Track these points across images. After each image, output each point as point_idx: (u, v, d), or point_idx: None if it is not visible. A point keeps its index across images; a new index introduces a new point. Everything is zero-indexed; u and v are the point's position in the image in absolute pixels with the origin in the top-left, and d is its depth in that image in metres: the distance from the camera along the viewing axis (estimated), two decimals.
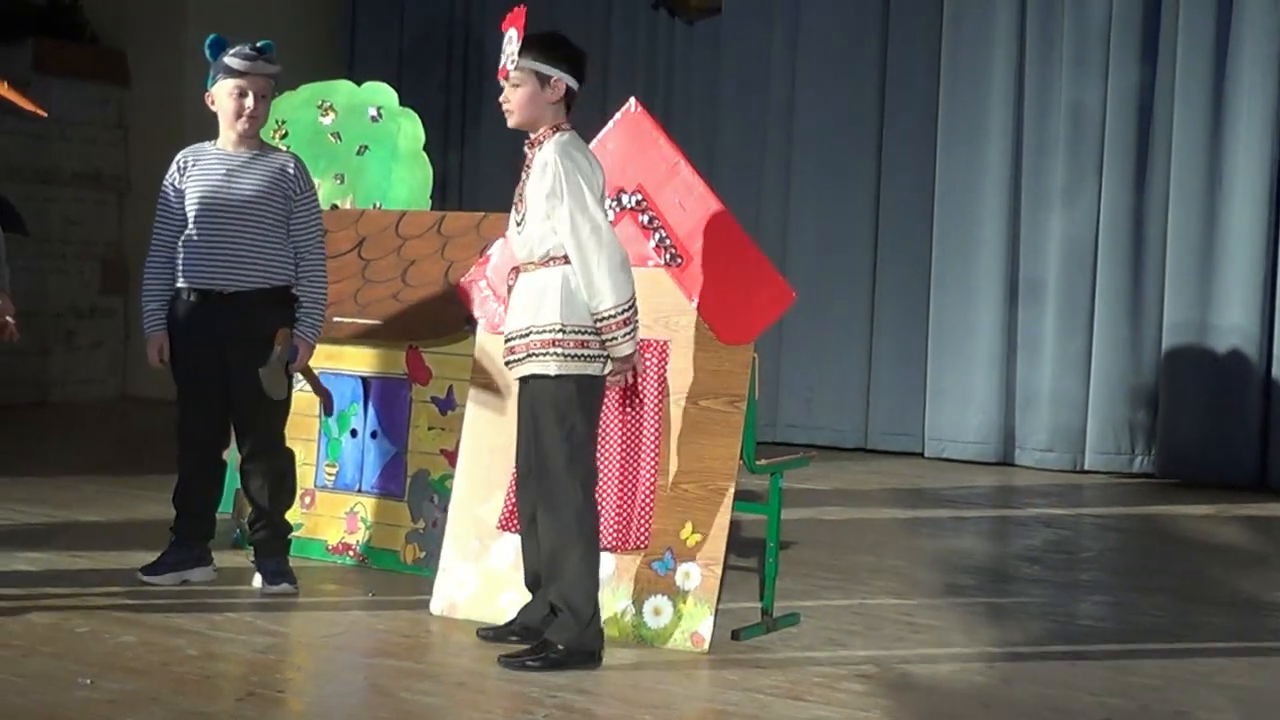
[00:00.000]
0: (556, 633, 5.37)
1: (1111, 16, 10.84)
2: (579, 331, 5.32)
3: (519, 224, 5.46)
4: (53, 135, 12.74)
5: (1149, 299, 10.81)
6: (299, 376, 6.62)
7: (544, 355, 5.33)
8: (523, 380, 5.45)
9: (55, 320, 12.98)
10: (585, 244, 5.27)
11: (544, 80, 5.39)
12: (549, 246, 5.35)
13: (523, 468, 5.59)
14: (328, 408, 6.88)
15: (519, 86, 5.41)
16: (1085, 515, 9.40)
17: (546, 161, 5.33)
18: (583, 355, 5.33)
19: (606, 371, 5.41)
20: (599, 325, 5.32)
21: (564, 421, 5.35)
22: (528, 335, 5.37)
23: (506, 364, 5.50)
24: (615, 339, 5.34)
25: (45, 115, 7.29)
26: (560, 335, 5.31)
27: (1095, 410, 10.92)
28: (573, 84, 5.43)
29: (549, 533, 5.42)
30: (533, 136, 5.45)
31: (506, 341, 5.49)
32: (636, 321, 5.40)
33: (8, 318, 6.10)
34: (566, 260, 5.32)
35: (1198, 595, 7.08)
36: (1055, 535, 8.62)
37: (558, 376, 5.33)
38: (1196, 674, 5.63)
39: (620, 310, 5.31)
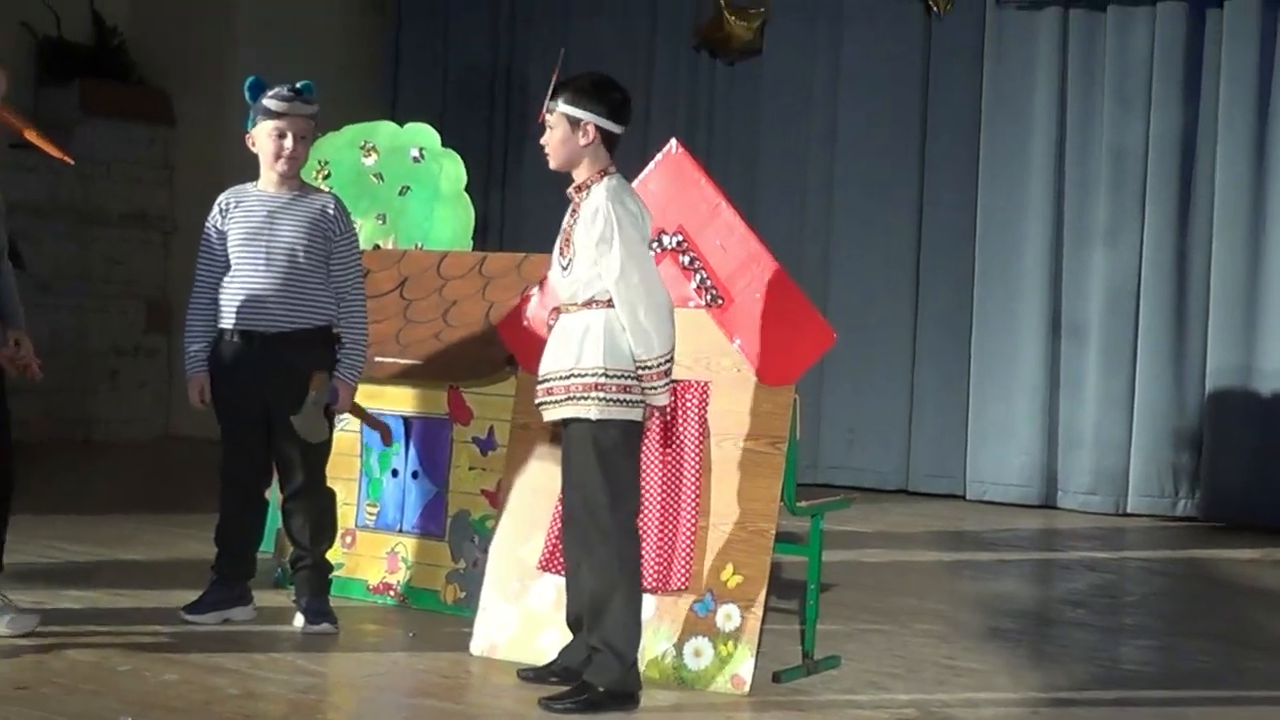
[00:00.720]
0: (596, 675, 5.34)
1: (1154, 54, 10.83)
2: (621, 376, 5.29)
3: (564, 267, 5.46)
4: (98, 175, 12.82)
5: (1192, 341, 10.76)
6: (344, 416, 6.64)
7: (585, 399, 5.30)
8: (564, 422, 5.44)
9: (99, 359, 13.04)
10: (635, 291, 5.26)
11: (574, 124, 5.39)
12: (594, 291, 5.34)
13: (566, 510, 5.57)
14: (385, 438, 6.89)
15: (553, 130, 5.43)
16: (1129, 559, 9.35)
17: (598, 207, 5.32)
18: (624, 400, 5.31)
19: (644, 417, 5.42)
20: (640, 372, 5.32)
21: (608, 466, 5.32)
22: (569, 378, 5.34)
23: (540, 404, 5.47)
24: (655, 388, 5.33)
25: (72, 163, 7.32)
26: (603, 379, 5.29)
27: (1138, 453, 10.86)
28: (607, 127, 5.40)
29: (592, 576, 5.40)
30: (577, 180, 5.46)
31: (542, 382, 5.46)
32: (671, 371, 5.41)
33: (31, 360, 6.14)
34: (610, 304, 5.32)
35: (1244, 640, 7.03)
36: (1099, 579, 8.58)
37: (599, 421, 5.32)
38: None
39: (663, 360, 5.31)
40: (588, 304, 5.36)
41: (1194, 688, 6.10)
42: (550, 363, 5.43)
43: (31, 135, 6.65)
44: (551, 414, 5.41)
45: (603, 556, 5.36)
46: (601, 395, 5.28)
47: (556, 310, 5.51)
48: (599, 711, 5.25)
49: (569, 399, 5.33)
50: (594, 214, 5.32)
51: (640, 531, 5.71)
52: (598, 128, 5.39)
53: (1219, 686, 6.13)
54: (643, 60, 12.66)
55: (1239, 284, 10.52)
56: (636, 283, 5.27)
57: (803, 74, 12.09)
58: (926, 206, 11.72)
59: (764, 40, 12.13)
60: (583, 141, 5.40)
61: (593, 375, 5.29)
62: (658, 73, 12.64)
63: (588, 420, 5.31)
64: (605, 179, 5.40)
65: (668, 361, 5.32)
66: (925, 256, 11.73)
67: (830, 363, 10.47)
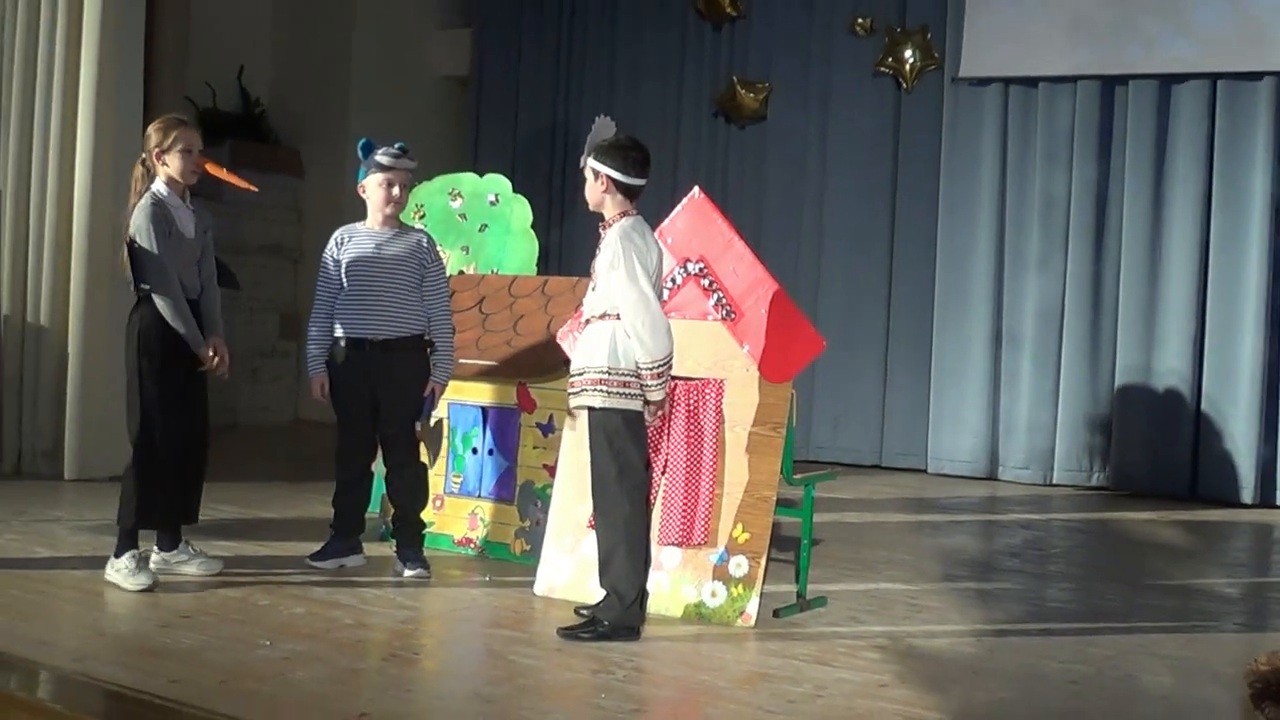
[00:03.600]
0: (604, 612, 5.40)
1: (1074, 122, 10.80)
2: (622, 374, 5.33)
3: (592, 288, 5.50)
4: (244, 215, 12.85)
5: (1104, 346, 10.72)
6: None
7: (593, 391, 5.36)
8: (588, 411, 5.47)
9: (243, 360, 13.04)
10: (633, 309, 5.30)
11: (595, 175, 5.44)
12: (605, 307, 5.39)
13: (591, 482, 5.59)
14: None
15: (585, 180, 5.47)
16: (1054, 520, 9.31)
17: (609, 242, 5.39)
18: (624, 393, 5.34)
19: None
20: (640, 372, 5.34)
21: (613, 446, 5.36)
22: (583, 374, 5.40)
23: (568, 394, 5.53)
24: (649, 386, 5.35)
25: (256, 190, 7.35)
26: (606, 376, 5.34)
27: (1062, 436, 10.82)
28: (619, 178, 5.40)
29: (602, 535, 5.46)
30: (604, 220, 5.49)
31: (569, 377, 5.52)
32: (669, 375, 5.41)
33: (224, 361, 6.20)
34: (618, 317, 5.35)
35: (1142, 583, 7.01)
36: (1031, 536, 8.55)
37: (603, 409, 5.35)
38: (1142, 646, 5.58)
39: (655, 364, 5.32)
40: (602, 317, 5.40)
41: (1104, 621, 6.10)
42: (574, 362, 5.51)
43: (220, 171, 6.68)
44: (572, 402, 5.48)
45: (611, 518, 5.39)
46: (604, 389, 5.34)
47: (587, 322, 5.54)
48: (607, 640, 5.29)
49: (582, 391, 5.39)
50: (606, 246, 5.39)
51: (670, 498, 5.75)
52: (610, 178, 5.42)
53: (1124, 620, 6.12)
54: (672, 124, 12.63)
55: (1141, 302, 10.49)
56: (635, 301, 5.30)
57: (799, 136, 12.04)
58: (896, 242, 11.66)
59: (768, 109, 12.12)
60: (601, 189, 5.43)
61: (598, 373, 5.34)
62: (683, 134, 12.62)
63: (594, 408, 5.36)
64: (623, 219, 5.42)
65: (662, 366, 5.34)
66: (895, 281, 11.69)
67: (820, 364, 10.41)
